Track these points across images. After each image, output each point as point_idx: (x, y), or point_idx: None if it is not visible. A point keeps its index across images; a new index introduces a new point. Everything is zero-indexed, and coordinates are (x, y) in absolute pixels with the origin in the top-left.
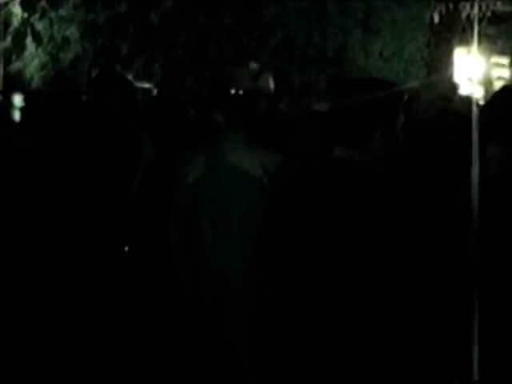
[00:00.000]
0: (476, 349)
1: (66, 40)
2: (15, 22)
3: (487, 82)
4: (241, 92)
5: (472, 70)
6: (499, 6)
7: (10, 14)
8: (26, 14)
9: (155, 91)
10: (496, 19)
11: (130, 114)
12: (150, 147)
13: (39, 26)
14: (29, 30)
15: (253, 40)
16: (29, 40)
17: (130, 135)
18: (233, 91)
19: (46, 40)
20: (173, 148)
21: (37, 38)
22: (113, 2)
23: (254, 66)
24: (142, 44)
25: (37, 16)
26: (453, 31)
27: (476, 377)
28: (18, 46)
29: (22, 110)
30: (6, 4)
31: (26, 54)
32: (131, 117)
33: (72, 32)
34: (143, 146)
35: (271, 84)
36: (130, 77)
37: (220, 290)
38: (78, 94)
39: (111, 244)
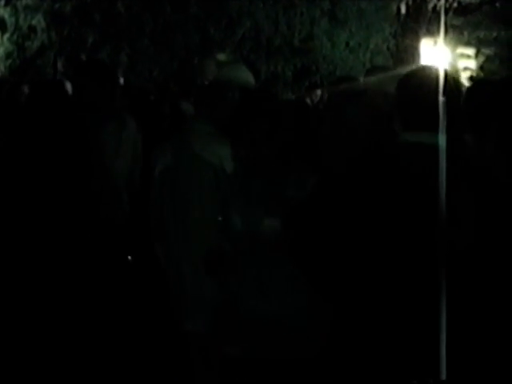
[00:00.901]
0: (443, 348)
1: (32, 29)
2: None
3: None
4: (207, 83)
5: (438, 61)
6: None
7: None
8: None
9: (121, 80)
10: (462, 10)
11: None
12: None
13: (5, 15)
14: None
15: (219, 29)
16: None
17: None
18: (199, 83)
19: (11, 29)
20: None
21: (2, 26)
22: None
23: (222, 57)
24: (108, 33)
25: (1, 3)
26: (419, 22)
27: (444, 376)
28: None
29: None
30: None
31: None
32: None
33: (38, 21)
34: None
35: (245, 74)
36: None
37: (179, 278)
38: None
39: (115, 252)
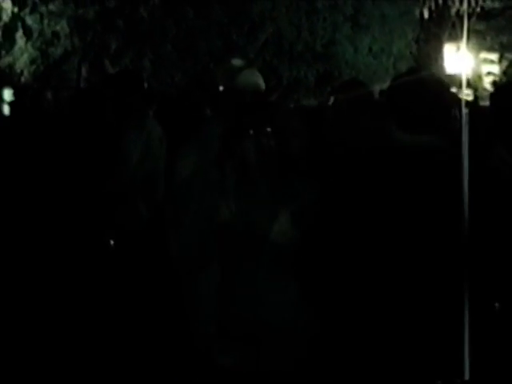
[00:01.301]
0: (466, 348)
1: (55, 35)
2: (5, 17)
3: (476, 78)
4: (221, 88)
5: (461, 66)
6: (488, 2)
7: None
8: (16, 9)
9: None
10: (485, 15)
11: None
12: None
13: (29, 21)
14: (19, 24)
15: (242, 35)
16: (18, 35)
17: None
18: (215, 88)
19: (35, 35)
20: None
21: (27, 32)
22: None
23: (237, 62)
24: (131, 39)
25: (27, 11)
26: (442, 27)
27: (467, 376)
28: (8, 41)
29: (11, 104)
30: None
31: (16, 48)
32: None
33: (62, 27)
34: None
35: (257, 79)
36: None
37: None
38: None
39: (97, 237)
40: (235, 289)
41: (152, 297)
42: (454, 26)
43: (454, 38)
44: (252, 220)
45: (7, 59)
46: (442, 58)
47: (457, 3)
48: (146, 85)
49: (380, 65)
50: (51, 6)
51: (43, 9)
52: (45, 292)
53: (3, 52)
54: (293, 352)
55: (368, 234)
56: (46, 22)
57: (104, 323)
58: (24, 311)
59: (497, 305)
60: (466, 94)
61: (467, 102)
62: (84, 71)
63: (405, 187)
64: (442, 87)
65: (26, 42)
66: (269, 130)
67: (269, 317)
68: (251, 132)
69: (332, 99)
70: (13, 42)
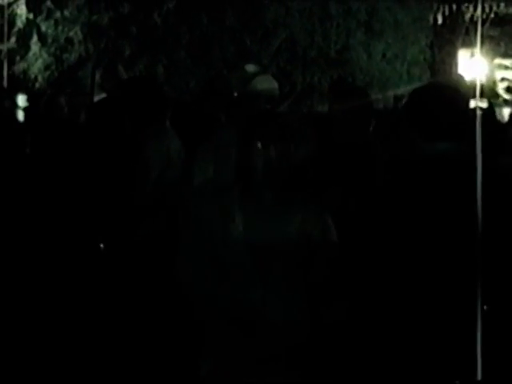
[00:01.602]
0: (479, 348)
1: (69, 41)
2: (19, 23)
3: (491, 84)
4: (235, 95)
5: (475, 72)
6: (502, 8)
7: (14, 15)
8: (31, 15)
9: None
10: (499, 21)
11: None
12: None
13: (44, 27)
14: (34, 30)
15: (255, 41)
16: (33, 41)
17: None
18: (229, 94)
19: (49, 41)
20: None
21: (42, 38)
22: (116, 4)
23: (252, 68)
24: (144, 45)
25: (41, 17)
26: (456, 33)
27: (479, 377)
28: (23, 47)
29: (25, 110)
30: (10, 5)
31: (30, 54)
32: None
33: (76, 33)
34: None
35: (271, 84)
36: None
37: None
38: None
39: (86, 240)
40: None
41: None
42: (467, 31)
43: (468, 43)
44: (258, 232)
45: (21, 65)
46: (455, 64)
47: (471, 9)
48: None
49: (394, 71)
50: (65, 12)
51: (57, 15)
52: (35, 293)
53: (17, 58)
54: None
55: (391, 242)
56: (59, 28)
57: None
58: (14, 313)
59: (485, 307)
60: (480, 100)
61: (481, 108)
62: (98, 77)
63: (433, 196)
64: (459, 94)
65: (40, 48)
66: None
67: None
68: (259, 142)
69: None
70: (27, 48)
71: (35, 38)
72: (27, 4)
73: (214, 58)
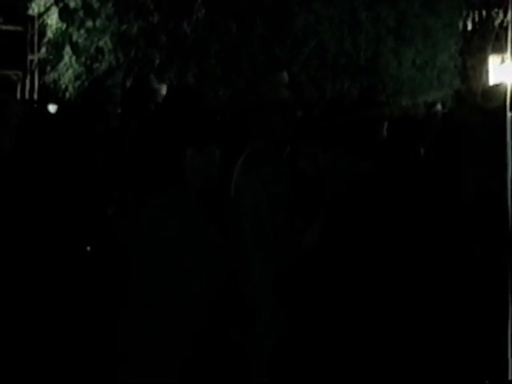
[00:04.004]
0: (510, 349)
1: (99, 51)
2: (50, 33)
3: None
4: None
5: (506, 78)
6: None
7: (44, 25)
8: (63, 25)
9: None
10: None
11: None
12: None
13: (75, 37)
14: (67, 40)
15: (285, 49)
16: (64, 50)
17: None
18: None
19: (80, 51)
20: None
21: (75, 48)
22: (145, 13)
23: (282, 76)
24: (174, 54)
25: (73, 27)
26: (486, 39)
27: (510, 376)
28: (56, 57)
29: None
30: (41, 15)
31: (61, 64)
32: None
33: (105, 43)
34: None
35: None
36: (163, 87)
37: None
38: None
39: (73, 243)
40: None
41: None
42: (498, 37)
43: (499, 49)
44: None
45: (52, 75)
46: (486, 71)
47: (501, 14)
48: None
49: (424, 77)
50: (95, 22)
51: (89, 25)
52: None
53: (48, 68)
54: None
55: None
56: (90, 37)
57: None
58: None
59: None
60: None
61: None
62: (128, 86)
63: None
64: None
65: (70, 58)
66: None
67: None
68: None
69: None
70: (60, 58)
71: (67, 48)
72: (60, 14)
73: (243, 67)
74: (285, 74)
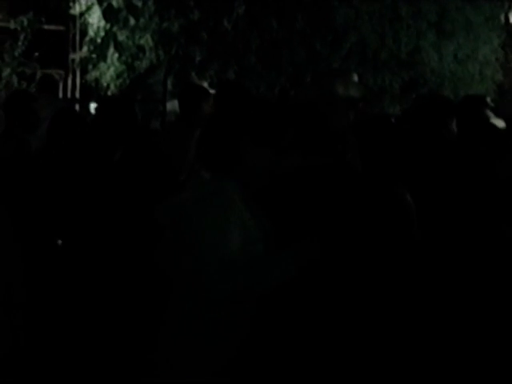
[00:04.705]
0: None
1: (141, 49)
2: (91, 32)
3: None
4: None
5: None
6: None
7: (85, 24)
8: (107, 25)
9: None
10: None
11: None
12: None
13: (119, 36)
14: (111, 40)
15: (325, 44)
16: (108, 50)
17: None
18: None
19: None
20: None
21: (119, 47)
22: (186, 10)
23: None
24: (215, 51)
25: (117, 26)
26: None
27: None
28: (101, 56)
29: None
30: (82, 14)
31: (102, 63)
32: None
33: (146, 41)
34: None
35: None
36: (204, 84)
37: None
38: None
39: (44, 236)
40: None
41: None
42: None
43: None
44: None
45: (94, 73)
46: None
47: None
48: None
49: (466, 71)
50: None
51: (132, 23)
52: None
53: (90, 67)
54: None
55: None
56: (131, 36)
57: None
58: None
59: None
60: None
61: None
62: (169, 84)
63: None
64: None
65: (112, 56)
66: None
67: None
68: None
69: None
70: (104, 57)
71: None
72: (104, 14)
73: (284, 63)
74: (355, 75)
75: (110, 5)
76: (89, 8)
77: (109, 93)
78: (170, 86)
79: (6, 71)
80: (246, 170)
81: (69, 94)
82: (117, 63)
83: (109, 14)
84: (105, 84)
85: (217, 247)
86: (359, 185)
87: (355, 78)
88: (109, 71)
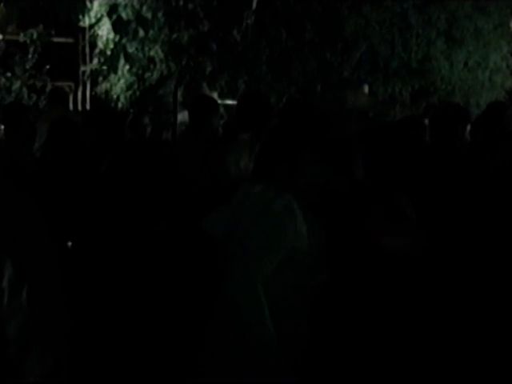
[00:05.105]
0: None
1: (151, 60)
2: (101, 44)
3: None
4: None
5: None
6: None
7: (95, 37)
8: (117, 37)
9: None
10: None
11: None
12: None
13: (128, 47)
14: (121, 51)
15: (336, 54)
16: (118, 61)
17: None
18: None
19: (131, 61)
20: None
21: (129, 59)
22: (196, 22)
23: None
24: (225, 61)
25: (126, 38)
26: None
27: None
28: (111, 68)
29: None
30: (92, 26)
31: (112, 74)
32: None
33: (156, 52)
34: None
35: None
36: (214, 94)
37: None
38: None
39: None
40: None
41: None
42: None
43: None
44: None
45: (104, 85)
46: None
47: None
48: None
49: (476, 79)
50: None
51: (141, 35)
52: None
53: (100, 79)
54: None
55: None
56: (141, 47)
57: None
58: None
59: None
60: None
61: None
62: (180, 95)
63: None
64: None
65: (123, 68)
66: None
67: None
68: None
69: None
70: (115, 69)
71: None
72: (114, 26)
73: (294, 72)
74: (366, 86)
75: (119, 17)
76: (98, 20)
77: (119, 105)
78: (180, 97)
79: (17, 84)
80: (301, 184)
81: (79, 107)
82: (127, 75)
83: (118, 25)
84: (115, 96)
85: (277, 253)
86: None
87: (366, 88)
88: (119, 83)
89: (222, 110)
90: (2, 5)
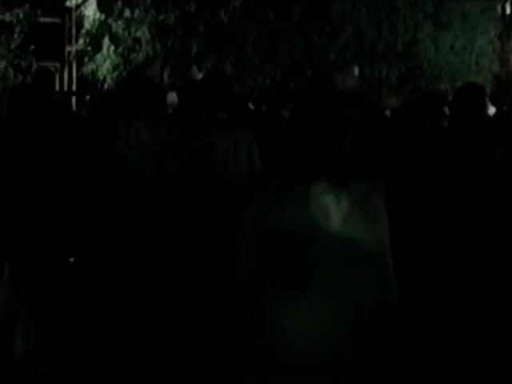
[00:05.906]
0: None
1: (137, 41)
2: (87, 24)
3: None
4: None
5: None
6: None
7: (81, 17)
8: (102, 16)
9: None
10: None
11: None
12: None
13: (114, 27)
14: (106, 31)
15: (322, 36)
16: (102, 41)
17: None
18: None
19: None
20: None
21: (114, 39)
22: (182, 3)
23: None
24: (212, 43)
25: (111, 18)
26: None
27: None
28: (95, 48)
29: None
30: (78, 7)
31: (99, 55)
32: None
33: (143, 33)
34: None
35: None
36: (200, 76)
37: None
38: None
39: (56, 254)
40: None
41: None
42: None
43: None
44: None
45: (90, 66)
46: None
47: None
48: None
49: (462, 62)
50: (132, 13)
51: (127, 15)
52: None
53: (86, 59)
54: None
55: None
56: (127, 28)
57: None
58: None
59: None
60: None
61: None
62: (166, 76)
63: None
64: None
65: (108, 49)
66: None
67: None
68: None
69: None
70: (99, 48)
71: (105, 38)
72: (99, 5)
73: (281, 55)
74: (356, 68)
75: None
76: (85, 0)
77: (105, 85)
78: (166, 79)
79: (2, 64)
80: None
81: (65, 87)
82: (113, 56)
83: (104, 4)
84: (101, 77)
85: None
86: None
87: (356, 70)
88: (105, 64)
89: None
90: None
